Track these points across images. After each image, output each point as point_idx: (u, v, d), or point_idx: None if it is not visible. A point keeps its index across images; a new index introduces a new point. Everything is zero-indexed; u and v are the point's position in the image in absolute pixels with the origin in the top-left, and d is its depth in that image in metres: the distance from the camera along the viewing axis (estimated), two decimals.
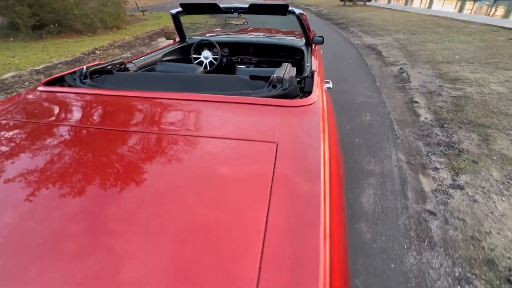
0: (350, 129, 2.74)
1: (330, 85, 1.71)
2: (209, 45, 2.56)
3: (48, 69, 4.82)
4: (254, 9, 1.90)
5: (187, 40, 2.63)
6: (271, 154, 0.69)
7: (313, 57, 2.11)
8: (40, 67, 4.87)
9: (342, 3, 17.04)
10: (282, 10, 1.87)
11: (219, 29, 6.94)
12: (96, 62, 1.50)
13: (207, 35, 2.91)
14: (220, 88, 1.13)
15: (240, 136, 0.80)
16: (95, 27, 8.17)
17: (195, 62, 2.53)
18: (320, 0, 20.20)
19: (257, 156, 0.70)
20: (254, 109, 0.94)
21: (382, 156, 2.29)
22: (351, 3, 16.76)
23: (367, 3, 16.74)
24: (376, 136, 2.61)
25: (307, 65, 1.95)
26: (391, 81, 4.14)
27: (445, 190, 1.90)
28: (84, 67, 1.29)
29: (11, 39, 7.23)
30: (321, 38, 2.35)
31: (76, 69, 1.30)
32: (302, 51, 2.37)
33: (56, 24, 7.58)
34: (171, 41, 2.58)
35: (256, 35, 2.79)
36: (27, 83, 4.11)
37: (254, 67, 2.77)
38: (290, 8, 1.88)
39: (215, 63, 2.52)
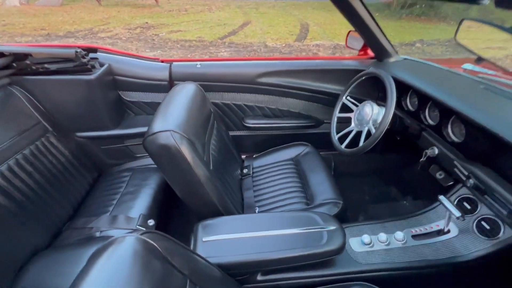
0: None
1: None
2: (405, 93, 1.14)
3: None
4: None
5: (391, 59, 1.25)
6: None
7: None
8: None
9: None
10: None
11: None
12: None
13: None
14: None
15: None
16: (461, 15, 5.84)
17: (336, 114, 1.21)
18: None
19: None
20: None
21: None
22: None
23: None
24: None
25: None
26: None
27: None
28: None
29: (377, 14, 7.37)
30: None
31: None
32: None
33: (423, 5, 6.39)
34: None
35: None
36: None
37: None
38: None
39: (364, 139, 1.07)
